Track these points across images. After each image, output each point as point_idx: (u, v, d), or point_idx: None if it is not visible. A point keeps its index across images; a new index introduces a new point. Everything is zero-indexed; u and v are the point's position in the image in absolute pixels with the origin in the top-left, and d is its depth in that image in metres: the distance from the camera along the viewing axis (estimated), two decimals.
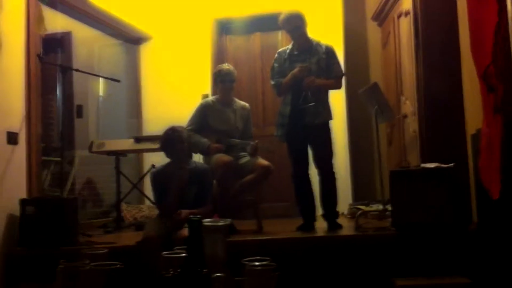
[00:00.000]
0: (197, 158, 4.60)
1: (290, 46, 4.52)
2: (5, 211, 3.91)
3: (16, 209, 3.93)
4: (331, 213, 4.34)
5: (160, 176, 3.90)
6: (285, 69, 4.40)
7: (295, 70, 4.28)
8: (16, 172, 4.09)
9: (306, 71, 4.26)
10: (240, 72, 5.25)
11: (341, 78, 4.49)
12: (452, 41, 4.21)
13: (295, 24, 4.38)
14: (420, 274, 3.46)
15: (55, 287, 1.46)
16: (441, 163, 3.84)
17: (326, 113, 4.40)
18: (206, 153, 4.45)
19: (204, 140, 4.44)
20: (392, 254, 3.66)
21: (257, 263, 1.43)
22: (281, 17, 4.44)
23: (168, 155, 3.95)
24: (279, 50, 4.63)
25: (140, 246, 3.54)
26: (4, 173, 3.91)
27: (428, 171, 3.81)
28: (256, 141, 4.48)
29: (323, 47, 4.42)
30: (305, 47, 4.42)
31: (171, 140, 3.88)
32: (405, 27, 4.91)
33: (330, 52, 4.42)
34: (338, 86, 4.47)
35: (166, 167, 3.93)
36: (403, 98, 5.13)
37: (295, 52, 4.42)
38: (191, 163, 3.99)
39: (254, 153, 4.42)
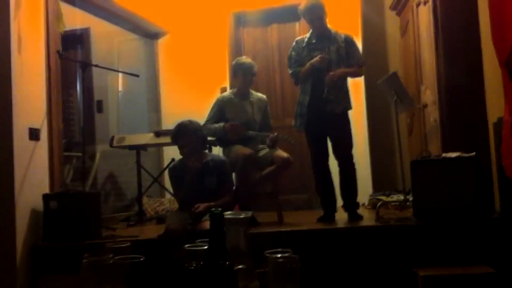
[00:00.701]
0: (217, 151, 4.63)
1: (308, 35, 4.50)
2: (29, 206, 3.96)
3: (39, 204, 3.99)
4: (351, 204, 4.33)
5: (175, 171, 3.95)
6: (303, 57, 4.40)
7: (315, 59, 4.27)
8: (39, 167, 4.14)
9: (325, 62, 4.25)
10: (258, 64, 5.24)
11: (362, 66, 4.48)
12: (472, 29, 4.15)
13: (316, 14, 4.36)
14: (442, 264, 3.45)
15: (79, 280, 1.48)
16: (463, 152, 3.81)
17: (346, 102, 4.40)
18: (223, 136, 4.47)
19: (219, 124, 4.48)
20: (414, 244, 3.64)
21: (279, 255, 1.43)
22: (302, 6, 4.42)
23: (179, 150, 3.98)
24: (297, 38, 4.62)
25: (162, 239, 3.57)
26: (26, 168, 3.96)
27: (449, 160, 3.78)
28: (275, 133, 4.47)
29: (342, 36, 4.41)
30: (324, 35, 4.40)
31: (177, 134, 3.92)
32: (424, 15, 4.85)
33: (349, 41, 4.41)
34: (359, 74, 4.48)
35: (181, 161, 3.97)
36: (423, 87, 5.08)
37: (313, 41, 4.41)
38: (207, 156, 4.01)
39: (273, 145, 4.42)
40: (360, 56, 4.47)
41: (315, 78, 4.30)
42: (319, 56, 4.27)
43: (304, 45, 4.44)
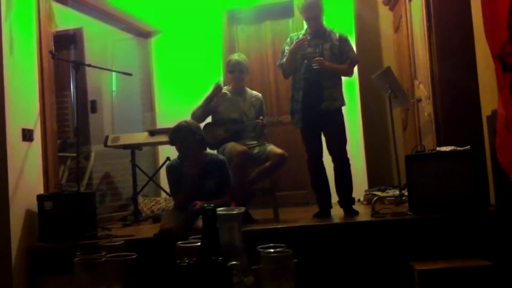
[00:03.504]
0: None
1: (303, 31, 4.52)
2: (23, 207, 3.95)
3: (34, 205, 3.98)
4: (346, 199, 4.33)
5: (174, 170, 3.90)
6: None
7: (292, 45, 4.33)
8: (33, 168, 4.12)
9: (303, 44, 4.29)
10: (252, 61, 5.23)
11: (355, 64, 4.48)
12: (465, 22, 4.15)
13: (314, 12, 4.38)
14: (439, 258, 3.45)
15: (74, 278, 1.47)
16: (457, 146, 3.82)
17: (341, 99, 4.40)
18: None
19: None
20: (410, 238, 3.65)
21: (272, 250, 1.42)
22: (301, 4, 4.42)
23: (177, 151, 3.93)
24: (291, 34, 4.65)
25: (157, 238, 3.56)
26: (21, 169, 3.95)
27: (444, 154, 3.79)
28: (261, 117, 4.49)
29: (337, 34, 4.43)
30: (319, 32, 4.41)
31: (173, 137, 3.86)
32: (417, 10, 4.86)
33: (343, 39, 4.41)
34: (349, 73, 4.45)
35: (180, 160, 3.93)
36: (416, 82, 5.08)
37: (308, 37, 4.41)
38: (206, 156, 3.96)
39: (262, 131, 4.50)
40: (353, 56, 4.46)
41: (308, 74, 4.31)
42: (295, 41, 4.33)
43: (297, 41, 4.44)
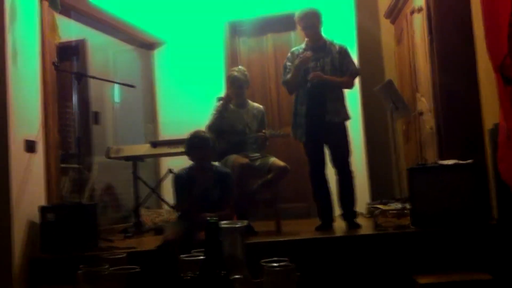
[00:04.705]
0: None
1: (303, 45, 4.52)
2: (25, 218, 3.95)
3: (36, 217, 3.98)
4: (349, 212, 4.32)
5: (182, 179, 3.91)
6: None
7: (296, 61, 4.32)
8: (35, 180, 4.13)
9: (307, 60, 4.28)
10: (253, 73, 5.24)
11: (356, 76, 4.48)
12: (466, 35, 4.17)
13: (310, 22, 4.39)
14: (441, 271, 3.44)
15: None
16: (459, 159, 3.82)
17: (345, 112, 4.40)
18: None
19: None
20: (412, 251, 3.64)
21: (275, 264, 1.42)
22: (298, 13, 4.45)
23: (190, 159, 3.97)
24: (292, 49, 4.64)
25: (160, 250, 3.55)
26: (23, 181, 3.95)
27: (447, 167, 3.79)
28: (263, 130, 4.49)
29: (337, 46, 4.43)
30: (318, 45, 4.42)
31: (194, 145, 3.90)
32: (418, 23, 4.87)
33: (343, 51, 4.42)
34: (350, 85, 4.44)
35: (188, 170, 3.94)
36: (418, 95, 5.09)
37: (309, 51, 4.42)
38: (212, 167, 4.00)
39: (264, 144, 4.49)
40: (353, 67, 4.45)
41: (311, 88, 4.31)
42: (298, 57, 4.33)
43: (299, 55, 4.45)
